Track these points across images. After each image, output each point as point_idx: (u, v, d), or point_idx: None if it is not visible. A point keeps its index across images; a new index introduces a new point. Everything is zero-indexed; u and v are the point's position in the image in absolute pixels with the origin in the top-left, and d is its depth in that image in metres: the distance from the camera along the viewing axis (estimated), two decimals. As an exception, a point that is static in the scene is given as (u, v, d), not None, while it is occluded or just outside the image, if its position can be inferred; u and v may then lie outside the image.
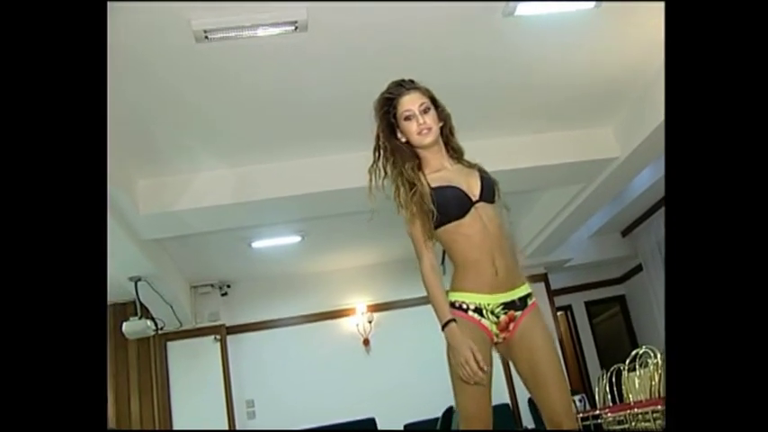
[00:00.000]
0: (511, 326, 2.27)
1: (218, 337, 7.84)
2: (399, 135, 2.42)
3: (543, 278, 8.58)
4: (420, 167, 2.40)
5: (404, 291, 8.18)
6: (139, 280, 5.91)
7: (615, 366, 6.59)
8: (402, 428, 7.48)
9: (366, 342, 8.17)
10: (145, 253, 5.49)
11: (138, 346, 7.33)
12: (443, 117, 2.44)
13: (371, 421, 7.22)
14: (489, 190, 2.37)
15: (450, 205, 2.29)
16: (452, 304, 2.27)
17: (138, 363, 7.43)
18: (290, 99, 4.41)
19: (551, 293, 8.67)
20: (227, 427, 7.53)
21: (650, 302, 8.78)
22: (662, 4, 4.10)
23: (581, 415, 6.97)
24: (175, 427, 7.43)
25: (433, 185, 2.32)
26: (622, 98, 5.11)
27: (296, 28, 3.57)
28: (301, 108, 4.54)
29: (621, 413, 5.69)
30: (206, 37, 3.46)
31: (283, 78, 4.16)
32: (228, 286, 8.06)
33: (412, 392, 7.61)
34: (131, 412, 7.26)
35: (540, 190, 6.80)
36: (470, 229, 2.29)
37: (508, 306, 2.27)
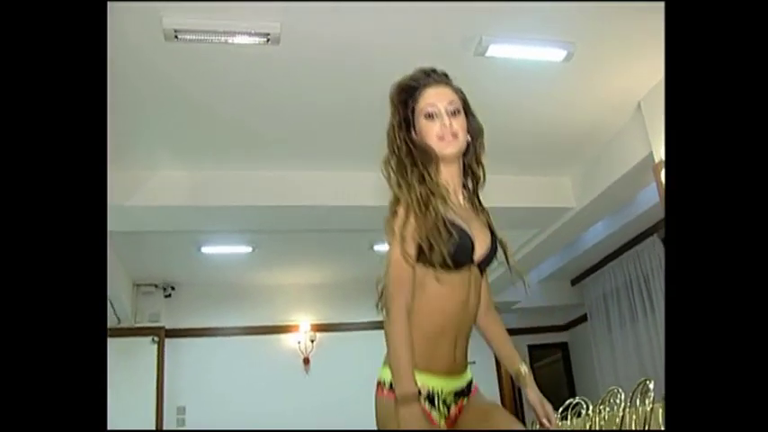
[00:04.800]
0: (455, 415, 1.81)
1: (156, 338, 7.69)
2: (414, 136, 1.88)
3: (489, 318, 8.64)
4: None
5: (349, 314, 8.16)
6: (81, 272, 5.78)
7: (549, 413, 6.62)
8: (332, 452, 7.39)
9: (306, 361, 8.10)
10: (90, 245, 5.38)
11: (72, 339, 7.14)
12: (474, 131, 1.92)
13: (300, 442, 7.14)
14: (493, 255, 1.88)
15: (456, 252, 1.74)
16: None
17: (69, 356, 7.24)
18: (255, 109, 4.41)
19: (496, 334, 8.72)
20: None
21: (591, 352, 8.88)
22: (628, 67, 4.21)
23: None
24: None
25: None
26: (582, 151, 5.22)
27: (268, 40, 3.57)
28: (265, 120, 4.54)
29: (549, 460, 5.71)
30: (176, 37, 3.44)
31: (252, 87, 4.15)
32: (173, 288, 7.91)
33: (347, 416, 7.52)
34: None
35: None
36: (452, 291, 1.77)
37: (459, 394, 1.82)
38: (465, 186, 1.94)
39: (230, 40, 3.57)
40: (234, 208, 5.30)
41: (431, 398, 1.73)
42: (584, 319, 9.28)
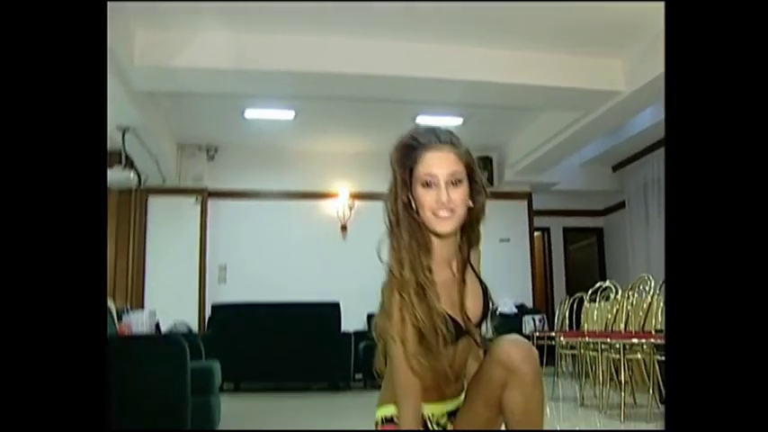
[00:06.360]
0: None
1: (199, 198, 7.94)
2: (411, 201, 1.69)
3: (527, 197, 8.70)
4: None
5: (388, 184, 8.25)
6: (127, 130, 5.89)
7: (578, 294, 6.75)
8: (365, 317, 7.68)
9: (344, 228, 8.31)
10: (135, 104, 5.44)
11: (119, 196, 7.39)
12: (477, 199, 1.70)
13: (336, 306, 7.40)
14: (485, 316, 1.77)
15: (448, 341, 1.64)
16: (386, 419, 1.74)
17: (117, 213, 7.52)
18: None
19: (532, 213, 8.79)
20: (197, 287, 7.75)
21: (626, 239, 8.91)
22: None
23: (537, 334, 7.20)
24: (147, 281, 7.65)
25: None
26: (637, 33, 5.00)
27: None
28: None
29: (574, 339, 5.88)
30: None
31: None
32: (216, 150, 8.07)
33: (381, 280, 7.79)
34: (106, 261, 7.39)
35: (538, 110, 6.75)
36: (438, 360, 1.65)
37: (453, 414, 1.77)
38: (460, 249, 1.76)
39: None
40: (278, 73, 5.24)
41: (424, 424, 1.70)
42: (621, 205, 9.24)
